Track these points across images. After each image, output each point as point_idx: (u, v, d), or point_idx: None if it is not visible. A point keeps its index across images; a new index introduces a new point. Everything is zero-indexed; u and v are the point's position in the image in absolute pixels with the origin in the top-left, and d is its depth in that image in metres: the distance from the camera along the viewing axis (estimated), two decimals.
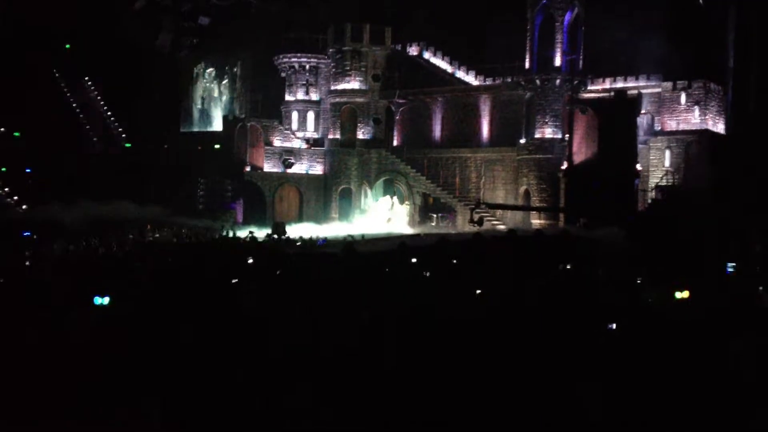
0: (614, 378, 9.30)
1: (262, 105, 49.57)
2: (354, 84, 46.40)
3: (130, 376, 10.12)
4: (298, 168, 46.85)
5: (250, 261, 21.93)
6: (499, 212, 41.35)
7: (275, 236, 35.10)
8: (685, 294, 13.34)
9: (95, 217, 35.28)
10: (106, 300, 13.95)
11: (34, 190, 42.75)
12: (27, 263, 20.00)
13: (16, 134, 47.70)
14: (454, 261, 22.01)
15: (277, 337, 12.13)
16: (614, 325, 11.39)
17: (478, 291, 16.38)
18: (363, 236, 34.28)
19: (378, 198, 46.19)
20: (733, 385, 8.94)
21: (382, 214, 45.13)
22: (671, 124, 38.67)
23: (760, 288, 16.72)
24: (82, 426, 8.75)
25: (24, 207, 41.33)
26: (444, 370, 10.13)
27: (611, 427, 8.44)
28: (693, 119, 38.16)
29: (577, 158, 37.61)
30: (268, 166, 46.27)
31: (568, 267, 20.47)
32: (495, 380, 9.83)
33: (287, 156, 46.52)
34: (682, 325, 12.15)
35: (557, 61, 39.66)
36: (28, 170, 44.87)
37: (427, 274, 19.44)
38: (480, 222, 37.68)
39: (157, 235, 34.38)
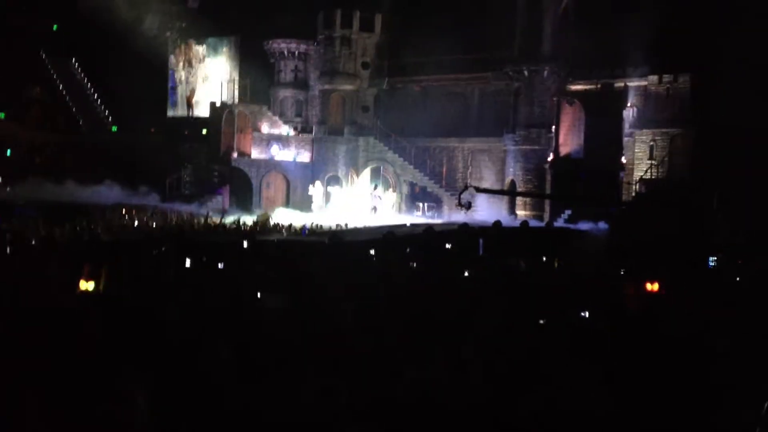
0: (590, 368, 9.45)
1: (251, 90, 49.35)
2: (343, 71, 46.25)
3: (116, 362, 10.16)
4: (286, 155, 46.73)
5: (245, 245, 21.79)
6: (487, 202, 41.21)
7: (257, 224, 35.11)
8: (655, 286, 13.31)
9: (80, 200, 35.19)
10: (91, 285, 13.95)
11: (17, 172, 42.48)
12: (8, 249, 19.72)
13: (1, 115, 47.38)
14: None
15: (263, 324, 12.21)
16: (587, 313, 11.54)
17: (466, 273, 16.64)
18: (346, 225, 34.31)
19: (365, 186, 46.11)
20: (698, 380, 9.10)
21: (367, 203, 45.08)
22: (657, 117, 38.86)
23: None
24: (73, 416, 8.80)
25: (8, 189, 41.09)
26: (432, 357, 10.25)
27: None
28: (679, 112, 38.34)
29: (564, 150, 37.83)
30: (256, 153, 46.12)
31: (549, 258, 20.66)
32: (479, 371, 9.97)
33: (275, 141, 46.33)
34: (651, 317, 12.24)
35: (545, 53, 39.75)
36: (8, 152, 44.61)
37: (414, 264, 19.51)
38: (468, 206, 37.60)
39: (140, 221, 34.27)
